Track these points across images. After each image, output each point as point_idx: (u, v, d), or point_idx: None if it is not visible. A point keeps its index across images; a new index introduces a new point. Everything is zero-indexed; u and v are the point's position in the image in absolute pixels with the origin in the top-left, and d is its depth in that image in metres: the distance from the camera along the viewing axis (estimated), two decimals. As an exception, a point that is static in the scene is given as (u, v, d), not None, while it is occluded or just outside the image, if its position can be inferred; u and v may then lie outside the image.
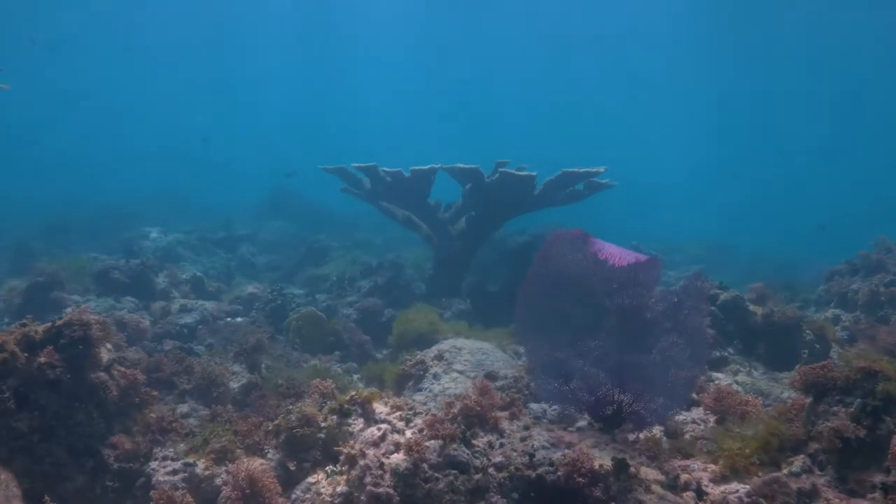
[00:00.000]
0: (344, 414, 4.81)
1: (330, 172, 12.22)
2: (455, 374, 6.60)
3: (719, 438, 4.38)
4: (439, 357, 6.90)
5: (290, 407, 4.97)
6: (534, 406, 6.35)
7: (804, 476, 3.82)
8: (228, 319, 10.25)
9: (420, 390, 6.64)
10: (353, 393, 4.89)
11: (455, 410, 4.43)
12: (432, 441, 4.18)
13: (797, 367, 6.93)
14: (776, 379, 6.76)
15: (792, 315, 7.11)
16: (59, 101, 57.85)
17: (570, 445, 4.27)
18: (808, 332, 7.09)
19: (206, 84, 62.80)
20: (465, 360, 6.75)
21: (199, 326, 9.70)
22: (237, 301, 11.30)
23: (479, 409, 4.44)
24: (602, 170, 10.52)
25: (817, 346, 6.99)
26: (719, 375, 6.86)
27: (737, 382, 6.78)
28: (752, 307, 7.51)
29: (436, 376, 6.66)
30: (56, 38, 44.02)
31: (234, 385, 6.90)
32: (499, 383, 6.44)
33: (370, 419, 4.83)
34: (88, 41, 50.66)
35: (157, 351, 7.64)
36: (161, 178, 36.17)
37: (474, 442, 4.25)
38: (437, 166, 10.44)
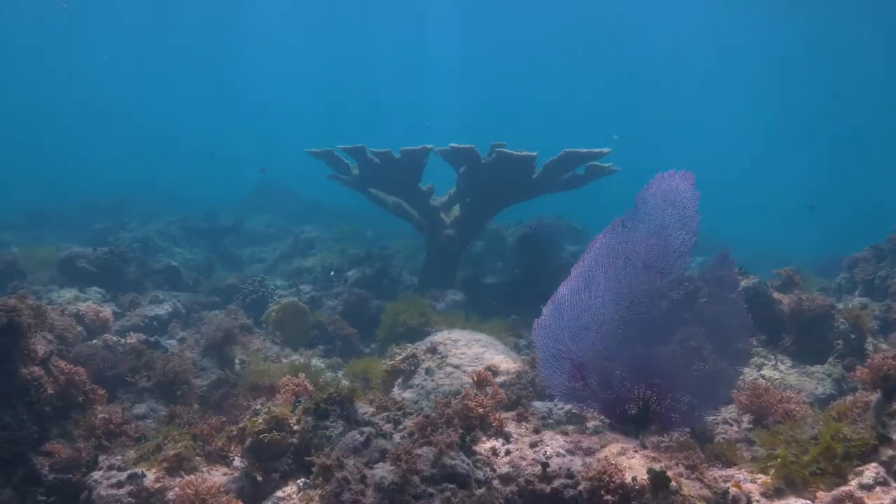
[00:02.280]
0: (320, 415, 4.08)
1: (316, 156, 11.46)
2: (450, 369, 5.88)
3: (766, 442, 3.67)
4: (432, 350, 6.18)
5: (258, 407, 4.24)
6: (538, 404, 5.66)
7: (879, 490, 3.12)
8: (205, 312, 9.52)
9: (410, 387, 5.92)
10: (332, 390, 4.16)
11: (451, 411, 3.71)
12: (425, 448, 3.46)
13: (830, 359, 6.26)
14: (807, 373, 6.06)
15: (822, 303, 6.42)
16: (55, 92, 56.93)
17: (589, 452, 3.56)
18: (841, 320, 6.40)
19: (201, 79, 61.77)
20: (461, 354, 6.03)
21: (173, 319, 8.97)
22: (216, 293, 10.55)
23: (480, 408, 3.72)
24: (607, 151, 9.80)
25: (852, 336, 6.31)
26: (743, 369, 6.14)
27: (762, 377, 6.10)
28: (776, 295, 6.82)
29: (428, 371, 5.93)
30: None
31: (202, 382, 6.15)
32: (500, 379, 5.72)
33: (351, 421, 4.11)
34: (89, 34, 49.59)
35: (118, 345, 6.88)
36: (152, 171, 35.41)
37: (475, 448, 3.53)
38: (429, 146, 9.70)
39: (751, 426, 4.63)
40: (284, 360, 7.87)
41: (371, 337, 8.85)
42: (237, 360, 6.93)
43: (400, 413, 4.31)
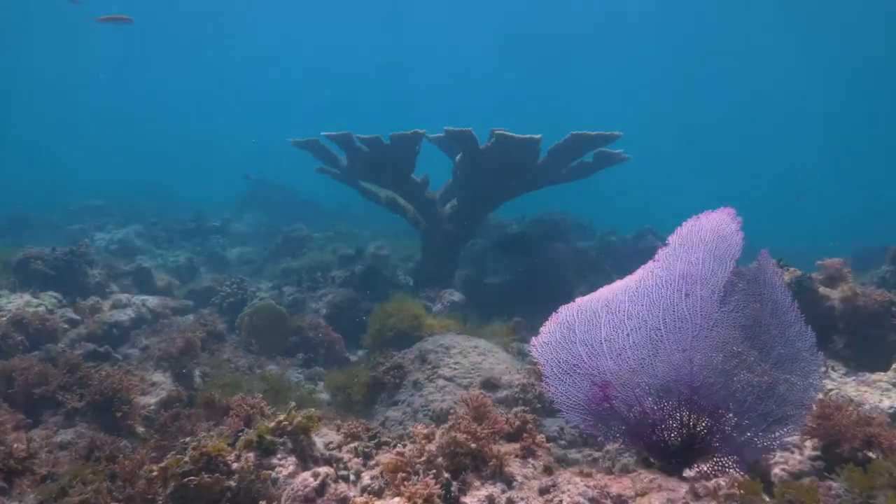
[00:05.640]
0: (265, 450, 3.14)
1: (301, 147, 10.54)
2: (442, 382, 4.94)
3: (860, 485, 2.72)
4: (422, 359, 5.24)
5: (187, 440, 3.31)
6: (548, 422, 4.74)
7: None
8: (176, 318, 8.60)
9: (395, 404, 4.98)
10: (282, 417, 3.22)
11: (434, 446, 2.76)
12: (396, 500, 2.53)
13: (895, 365, 5.30)
14: (867, 382, 5.10)
15: (881, 298, 5.46)
16: (46, 93, 56.31)
17: (620, 502, 2.62)
18: (906, 319, 5.44)
19: (200, 78, 60.96)
20: (455, 363, 5.09)
21: (143, 325, 8.05)
22: (191, 296, 9.64)
23: (472, 442, 2.78)
24: (619, 134, 8.85)
25: (921, 337, 5.35)
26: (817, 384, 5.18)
27: (812, 387, 5.14)
28: (822, 290, 5.87)
29: (416, 385, 5.00)
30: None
31: (151, 400, 5.23)
32: (502, 393, 4.80)
33: (306, 457, 3.17)
34: (87, 35, 48.82)
35: (60, 356, 5.95)
36: (146, 175, 34.59)
37: (464, 501, 2.59)
38: (420, 131, 8.76)
39: (818, 454, 3.67)
40: (258, 372, 6.96)
41: (359, 343, 7.92)
42: (198, 373, 6.01)
43: (372, 444, 3.37)
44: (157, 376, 5.57)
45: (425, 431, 2.84)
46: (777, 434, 3.06)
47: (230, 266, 14.06)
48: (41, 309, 7.54)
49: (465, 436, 2.76)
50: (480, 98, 59.47)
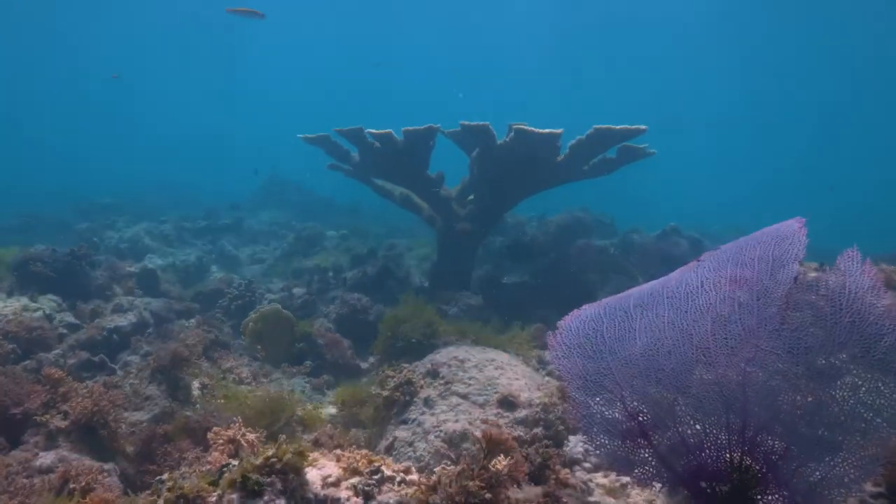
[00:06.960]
0: (251, 492, 2.74)
1: (311, 143, 10.16)
2: (456, 400, 4.53)
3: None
4: (433, 373, 4.82)
5: (163, 477, 2.92)
6: (571, 441, 4.32)
7: None
8: (182, 322, 8.26)
9: (405, 423, 4.57)
10: (270, 454, 2.82)
11: (440, 498, 2.34)
12: (395, 564, 2.11)
13: (957, 382, 4.79)
14: (927, 401, 4.61)
15: (939, 307, 4.97)
16: (61, 91, 56.56)
17: (665, 568, 2.19)
18: (970, 330, 4.92)
19: (212, 76, 60.87)
20: (469, 379, 4.67)
21: (145, 330, 7.72)
22: (198, 298, 9.30)
23: (485, 491, 2.35)
24: (644, 128, 8.34)
25: None
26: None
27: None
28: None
29: (428, 402, 4.58)
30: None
31: (143, 417, 4.86)
32: (521, 413, 4.37)
33: (297, 499, 2.76)
34: (96, 34, 48.86)
35: (54, 366, 5.61)
36: (161, 173, 34.50)
37: (478, 566, 2.18)
38: (435, 126, 8.33)
39: (880, 490, 3.20)
40: (264, 381, 6.59)
41: (370, 349, 7.52)
42: (197, 385, 5.64)
43: (374, 480, 2.96)
44: (151, 389, 5.20)
45: (428, 482, 2.42)
46: (848, 478, 2.61)
47: (241, 265, 13.74)
48: (38, 314, 7.23)
49: (477, 484, 2.34)
50: (493, 96, 58.96)
